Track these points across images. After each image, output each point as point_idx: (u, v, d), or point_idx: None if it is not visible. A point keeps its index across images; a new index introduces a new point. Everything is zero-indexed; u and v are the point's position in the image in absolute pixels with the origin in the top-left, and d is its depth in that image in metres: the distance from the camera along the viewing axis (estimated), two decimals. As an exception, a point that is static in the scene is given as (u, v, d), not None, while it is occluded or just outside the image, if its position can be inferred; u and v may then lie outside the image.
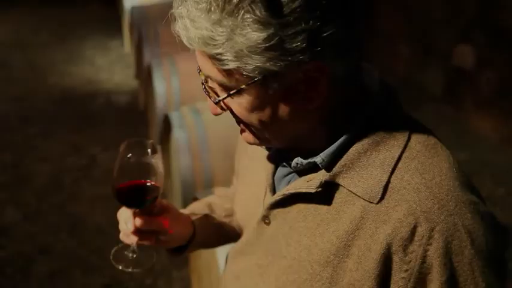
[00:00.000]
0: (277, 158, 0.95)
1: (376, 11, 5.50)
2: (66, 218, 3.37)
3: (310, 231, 0.86)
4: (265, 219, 0.94)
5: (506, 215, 3.30)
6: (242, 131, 0.87)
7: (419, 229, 0.75)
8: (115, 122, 4.75)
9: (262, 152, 0.99)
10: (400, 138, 0.81)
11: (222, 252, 1.73)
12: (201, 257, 2.23)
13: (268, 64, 0.71)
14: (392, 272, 0.78)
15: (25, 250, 3.10)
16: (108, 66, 6.17)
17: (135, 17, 4.93)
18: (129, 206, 1.02)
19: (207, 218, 1.18)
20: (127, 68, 6.03)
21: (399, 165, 0.80)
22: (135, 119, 4.77)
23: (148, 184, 1.01)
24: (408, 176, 0.79)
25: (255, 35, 0.69)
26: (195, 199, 2.17)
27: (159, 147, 1.01)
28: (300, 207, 0.88)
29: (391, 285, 0.78)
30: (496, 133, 4.21)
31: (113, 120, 4.80)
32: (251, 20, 0.68)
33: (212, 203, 1.25)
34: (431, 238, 0.74)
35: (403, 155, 0.80)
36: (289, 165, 0.90)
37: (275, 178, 0.96)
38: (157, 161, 1.00)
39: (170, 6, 0.75)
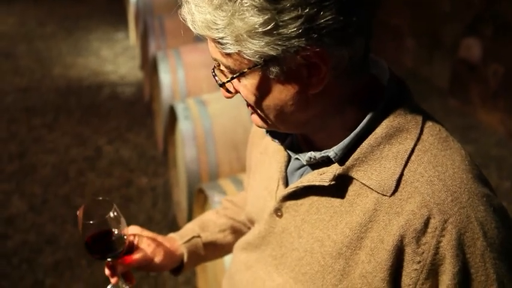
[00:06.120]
0: (290, 151, 0.95)
1: (383, 4, 5.46)
2: (72, 209, 3.39)
3: (323, 223, 0.87)
4: (278, 211, 0.95)
5: None
6: (252, 113, 0.89)
7: (432, 221, 0.75)
8: (120, 114, 4.76)
9: (274, 145, 0.99)
10: (413, 131, 0.82)
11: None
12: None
13: (266, 48, 0.72)
14: (405, 263, 0.78)
15: (31, 240, 3.13)
16: (114, 58, 6.17)
17: (140, 9, 4.92)
18: (102, 258, 1.10)
19: (196, 239, 1.22)
20: (132, 60, 6.03)
21: (412, 157, 0.80)
22: (140, 110, 4.78)
23: (114, 236, 1.07)
24: (421, 169, 0.79)
25: (252, 20, 0.70)
26: (201, 191, 2.18)
27: (114, 204, 1.08)
28: (312, 199, 0.89)
29: (403, 277, 0.79)
30: (502, 127, 4.20)
31: (118, 111, 4.81)
32: (248, 4, 0.69)
33: (205, 220, 1.28)
34: (444, 230, 0.75)
35: (416, 148, 0.81)
36: (302, 158, 0.90)
37: (288, 171, 0.97)
38: (115, 213, 1.06)
39: (175, -2, 0.76)
